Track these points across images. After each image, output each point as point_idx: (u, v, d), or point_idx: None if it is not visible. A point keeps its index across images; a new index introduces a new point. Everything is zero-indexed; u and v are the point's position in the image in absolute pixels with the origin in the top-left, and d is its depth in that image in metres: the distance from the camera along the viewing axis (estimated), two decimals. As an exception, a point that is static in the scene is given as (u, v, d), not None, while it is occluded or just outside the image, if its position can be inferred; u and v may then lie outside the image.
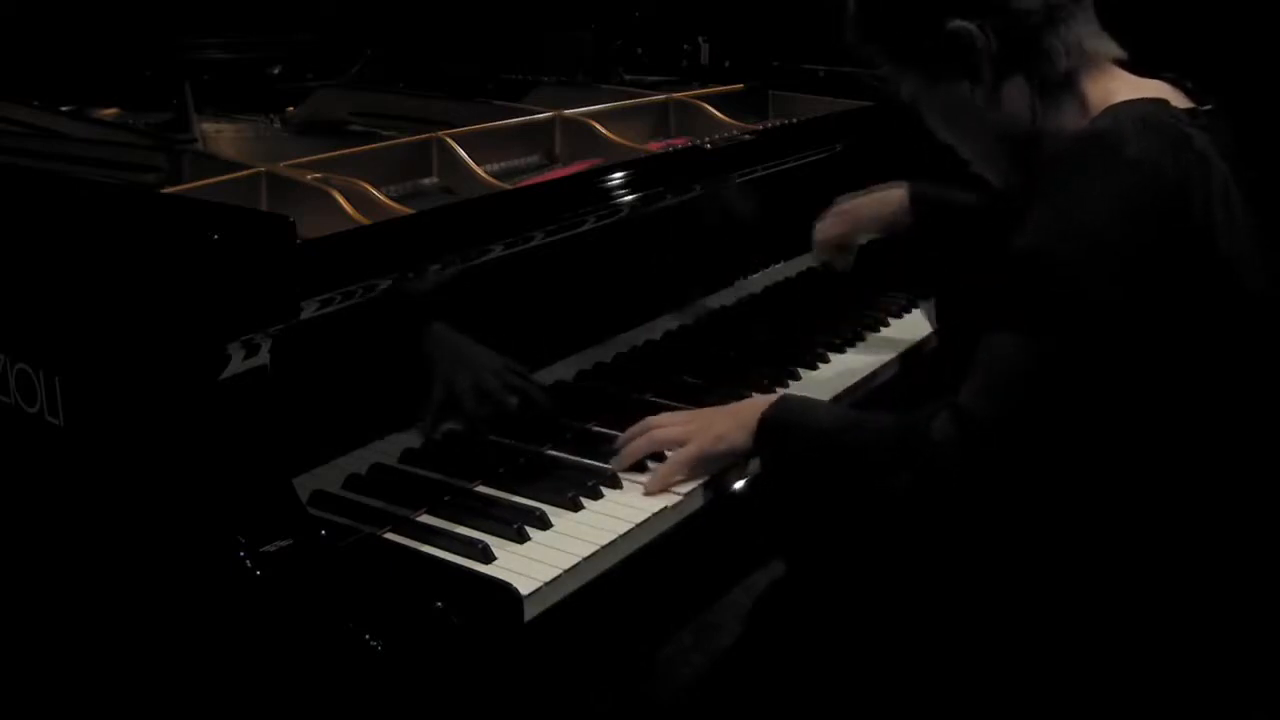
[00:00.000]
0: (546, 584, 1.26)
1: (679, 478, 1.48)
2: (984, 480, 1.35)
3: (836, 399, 1.75)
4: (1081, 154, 1.33)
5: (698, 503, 1.48)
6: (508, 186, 1.71)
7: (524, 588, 1.24)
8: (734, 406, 1.57)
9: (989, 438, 1.33)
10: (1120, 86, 1.42)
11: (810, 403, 1.61)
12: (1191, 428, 1.38)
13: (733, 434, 1.50)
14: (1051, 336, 1.32)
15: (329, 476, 1.36)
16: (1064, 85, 1.41)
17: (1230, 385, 1.38)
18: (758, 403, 1.54)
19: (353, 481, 1.39)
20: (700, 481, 1.48)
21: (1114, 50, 1.43)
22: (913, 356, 1.95)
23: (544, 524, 1.36)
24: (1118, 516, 1.40)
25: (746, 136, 1.96)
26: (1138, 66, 1.45)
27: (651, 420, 1.54)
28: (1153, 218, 1.29)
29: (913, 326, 2.05)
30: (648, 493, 1.45)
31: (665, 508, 1.43)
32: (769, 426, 1.49)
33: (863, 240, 1.98)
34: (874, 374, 1.86)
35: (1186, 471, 1.39)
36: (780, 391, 1.71)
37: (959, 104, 1.44)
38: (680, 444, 1.50)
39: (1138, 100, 1.38)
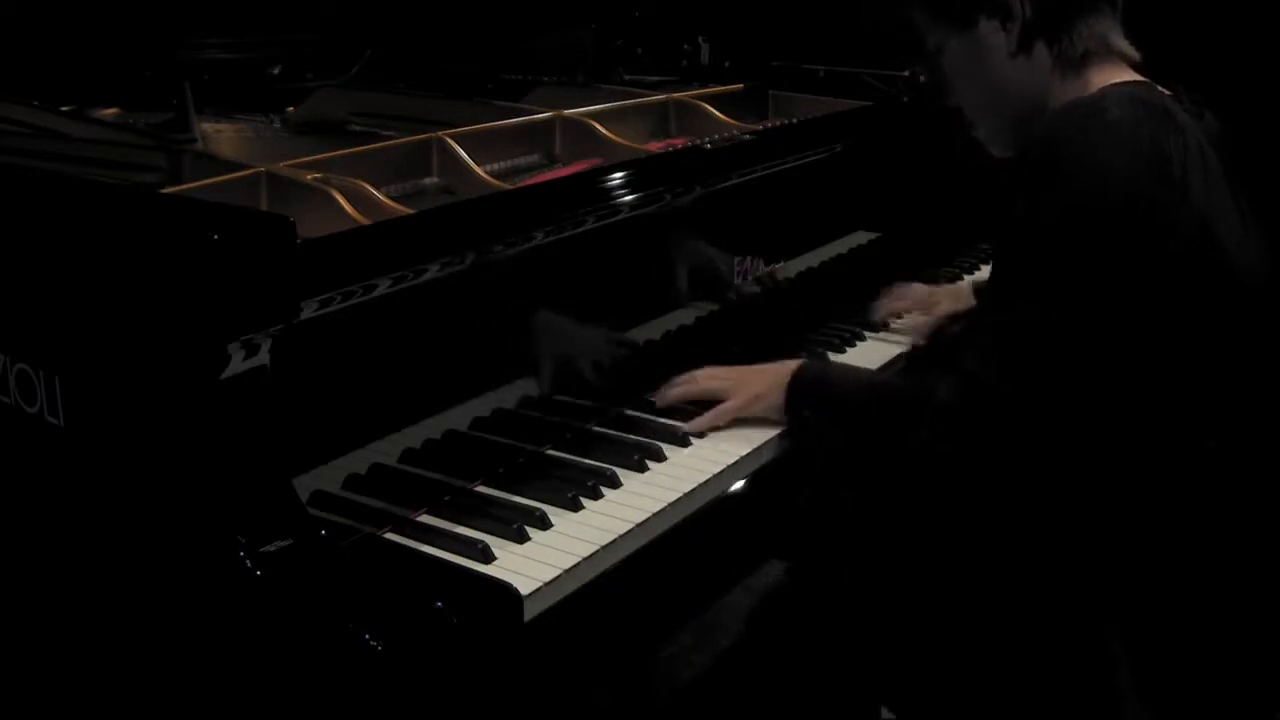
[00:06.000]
0: (546, 584, 1.26)
1: (718, 425, 1.60)
2: (990, 443, 1.41)
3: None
4: (1067, 119, 1.41)
5: (698, 503, 1.48)
6: (508, 186, 1.71)
7: (524, 588, 1.24)
8: (768, 367, 1.68)
9: (993, 399, 1.39)
10: (1121, 77, 1.48)
11: (835, 364, 1.79)
12: (1186, 393, 1.39)
13: (770, 393, 1.62)
14: (1050, 296, 1.36)
15: (329, 476, 1.36)
16: (1076, 65, 1.49)
17: (1221, 357, 1.40)
18: (789, 365, 1.66)
19: (353, 481, 1.39)
20: (700, 481, 1.49)
21: (1132, 53, 1.51)
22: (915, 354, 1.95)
23: (544, 524, 1.36)
24: (1118, 498, 1.41)
25: (746, 136, 1.96)
26: (1149, 71, 1.51)
27: (696, 373, 1.67)
28: (1134, 174, 1.35)
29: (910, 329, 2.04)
30: (689, 432, 1.58)
31: (665, 507, 1.43)
32: (800, 383, 1.61)
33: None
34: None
35: (1187, 444, 1.40)
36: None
37: (983, 55, 1.51)
38: (719, 397, 1.62)
39: (1127, 81, 1.47)
